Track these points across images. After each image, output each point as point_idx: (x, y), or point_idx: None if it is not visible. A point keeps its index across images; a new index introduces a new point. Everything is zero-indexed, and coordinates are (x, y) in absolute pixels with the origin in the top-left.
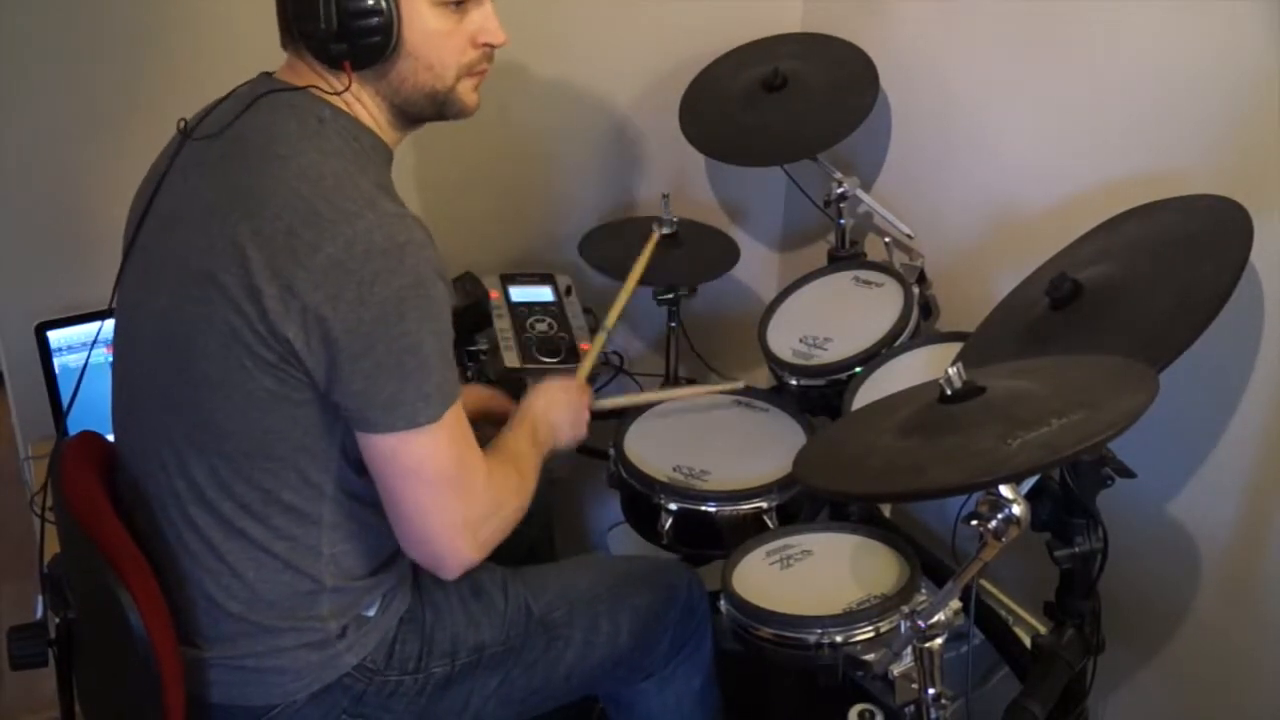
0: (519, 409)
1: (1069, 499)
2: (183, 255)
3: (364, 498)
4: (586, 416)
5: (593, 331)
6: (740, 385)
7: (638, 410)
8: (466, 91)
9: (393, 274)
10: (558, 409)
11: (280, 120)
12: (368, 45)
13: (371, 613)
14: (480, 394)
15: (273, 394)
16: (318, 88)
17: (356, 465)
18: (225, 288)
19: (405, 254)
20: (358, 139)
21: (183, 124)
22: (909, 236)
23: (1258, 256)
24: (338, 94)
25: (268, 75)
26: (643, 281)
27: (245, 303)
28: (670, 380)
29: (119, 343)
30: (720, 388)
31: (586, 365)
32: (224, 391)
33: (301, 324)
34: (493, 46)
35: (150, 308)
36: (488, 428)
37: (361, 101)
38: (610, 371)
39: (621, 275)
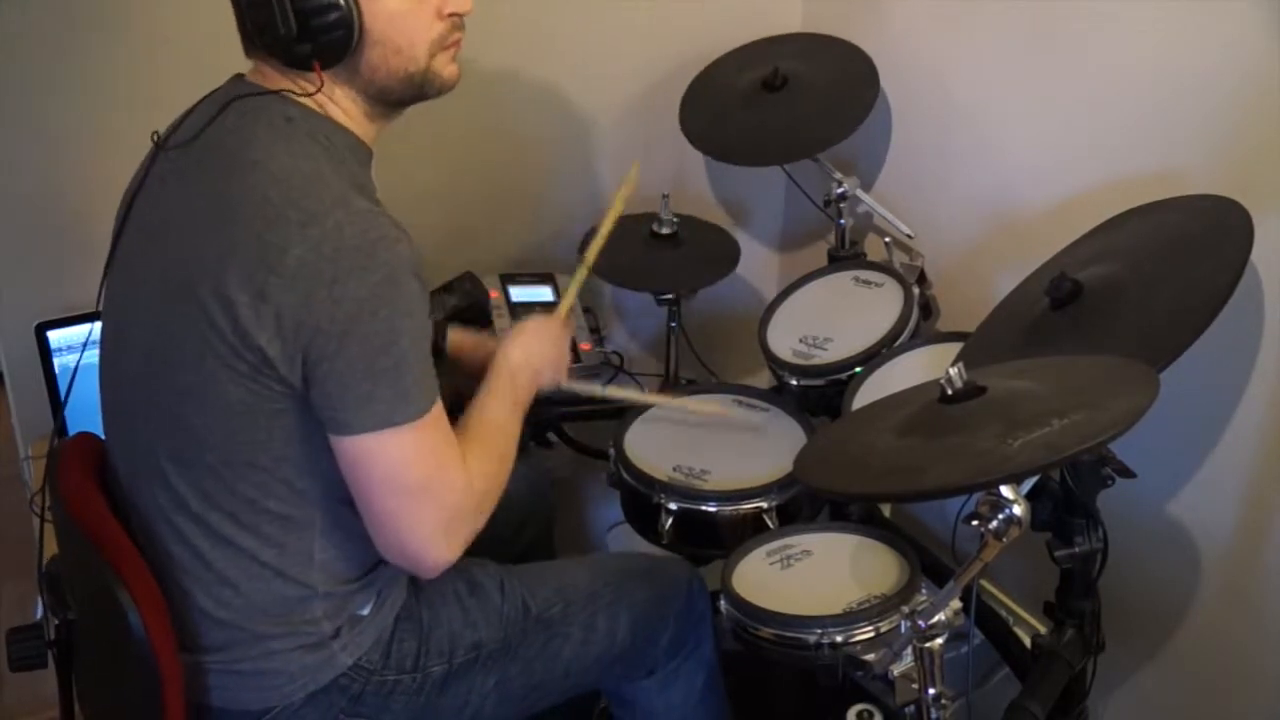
0: (495, 363)
1: (1069, 499)
2: (160, 267)
3: (354, 503)
4: (569, 355)
5: (580, 260)
6: (755, 423)
7: (638, 410)
8: (443, 65)
9: (364, 271)
10: (537, 354)
11: (250, 125)
12: (331, 41)
13: (365, 611)
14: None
15: (248, 405)
16: (289, 91)
17: None
18: (200, 299)
19: (377, 250)
20: (330, 138)
21: (155, 136)
22: (909, 236)
23: (1258, 256)
24: (309, 95)
25: (240, 78)
26: (642, 286)
27: (219, 315)
28: (670, 380)
29: (104, 355)
30: (729, 412)
31: (567, 300)
32: (202, 403)
33: (275, 330)
34: (460, 15)
35: (131, 320)
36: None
37: (334, 99)
38: (610, 371)
39: (621, 276)
